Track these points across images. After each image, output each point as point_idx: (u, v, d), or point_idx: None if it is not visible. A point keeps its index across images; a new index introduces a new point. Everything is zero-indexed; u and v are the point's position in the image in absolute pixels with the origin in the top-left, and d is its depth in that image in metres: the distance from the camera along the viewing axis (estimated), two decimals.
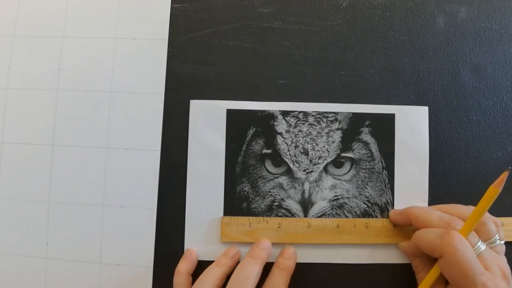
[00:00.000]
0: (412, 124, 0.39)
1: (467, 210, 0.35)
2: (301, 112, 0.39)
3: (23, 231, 0.39)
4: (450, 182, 0.39)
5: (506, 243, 0.38)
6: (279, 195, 0.39)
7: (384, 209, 0.38)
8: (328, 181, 0.39)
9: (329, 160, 0.39)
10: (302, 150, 0.39)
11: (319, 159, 0.39)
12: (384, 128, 0.39)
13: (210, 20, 0.40)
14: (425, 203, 0.39)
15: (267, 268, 0.36)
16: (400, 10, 0.41)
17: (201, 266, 0.37)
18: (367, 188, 0.39)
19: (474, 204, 0.35)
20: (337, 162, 0.39)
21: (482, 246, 0.32)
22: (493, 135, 0.39)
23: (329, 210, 0.39)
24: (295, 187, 0.39)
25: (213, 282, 0.35)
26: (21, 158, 0.39)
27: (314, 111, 0.39)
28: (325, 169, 0.39)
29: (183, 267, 0.37)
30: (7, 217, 0.39)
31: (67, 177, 0.39)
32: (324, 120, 0.39)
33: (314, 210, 0.39)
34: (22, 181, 0.39)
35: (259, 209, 0.39)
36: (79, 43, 0.40)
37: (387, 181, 0.39)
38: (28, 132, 0.40)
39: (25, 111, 0.40)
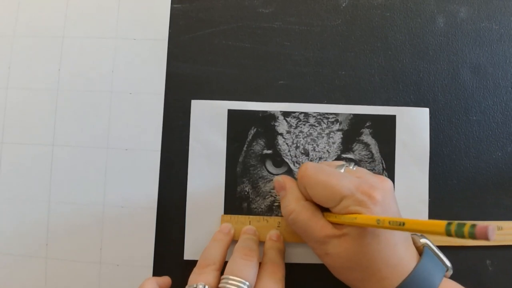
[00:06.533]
0: (413, 126, 0.39)
1: None
2: (302, 113, 0.39)
3: (23, 231, 0.39)
4: (450, 182, 0.39)
5: (506, 247, 0.38)
6: (279, 195, 0.39)
7: None
8: None
9: (330, 161, 0.39)
10: (302, 151, 0.39)
11: (319, 160, 0.39)
12: (384, 130, 0.39)
13: (210, 20, 0.40)
14: (425, 204, 0.38)
15: None
16: (400, 10, 0.40)
17: None
18: None
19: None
20: None
21: None
22: (493, 135, 0.39)
23: None
24: None
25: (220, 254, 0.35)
26: (21, 158, 0.39)
27: (315, 112, 0.39)
28: None
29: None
30: (7, 217, 0.39)
31: (67, 177, 0.39)
32: (325, 121, 0.39)
33: None
34: (22, 181, 0.39)
35: (260, 209, 0.39)
36: (79, 43, 0.40)
37: None
38: (28, 132, 0.39)
39: (25, 111, 0.40)
